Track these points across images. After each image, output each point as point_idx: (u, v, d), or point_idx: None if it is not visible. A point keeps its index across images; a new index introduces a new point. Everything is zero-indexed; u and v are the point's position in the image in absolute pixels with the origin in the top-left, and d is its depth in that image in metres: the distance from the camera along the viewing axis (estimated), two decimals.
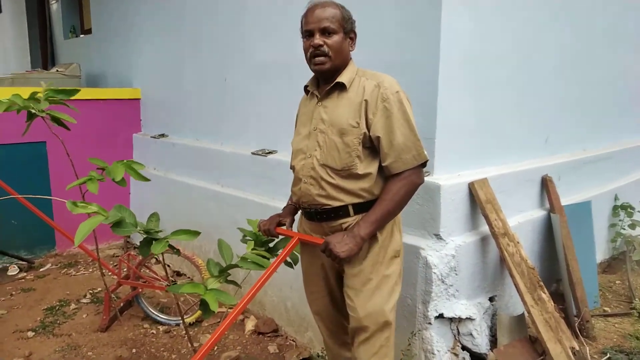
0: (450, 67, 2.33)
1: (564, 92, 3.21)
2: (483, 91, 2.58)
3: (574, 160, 3.30)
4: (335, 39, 1.76)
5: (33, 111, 1.90)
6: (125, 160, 1.91)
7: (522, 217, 2.82)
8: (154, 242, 1.81)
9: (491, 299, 2.62)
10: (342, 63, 1.82)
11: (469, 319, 2.43)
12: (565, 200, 3.05)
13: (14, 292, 3.81)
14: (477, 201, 2.46)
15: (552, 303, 2.58)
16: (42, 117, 1.93)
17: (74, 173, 2.32)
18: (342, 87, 1.82)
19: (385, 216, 1.78)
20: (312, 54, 1.78)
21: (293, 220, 2.08)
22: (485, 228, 2.53)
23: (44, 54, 7.62)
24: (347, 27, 1.79)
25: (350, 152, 1.78)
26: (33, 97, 1.93)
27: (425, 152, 1.79)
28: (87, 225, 1.60)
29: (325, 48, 1.76)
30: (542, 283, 2.58)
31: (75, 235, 1.58)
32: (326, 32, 1.75)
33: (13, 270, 4.19)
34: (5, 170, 3.69)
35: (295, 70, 2.97)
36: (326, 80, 1.86)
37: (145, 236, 1.83)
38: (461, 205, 2.43)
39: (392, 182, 1.78)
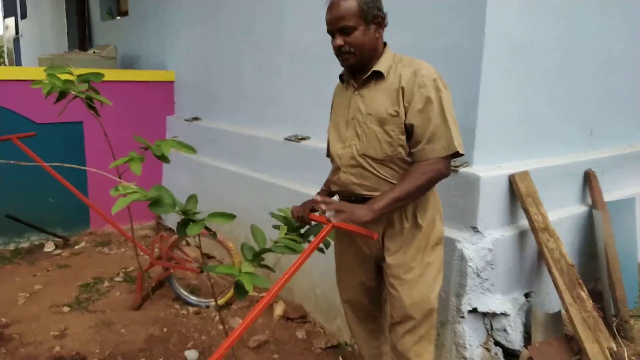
0: (495, 55, 2.25)
1: (611, 85, 3.07)
2: (527, 81, 2.49)
3: (619, 155, 3.17)
4: (356, 34, 1.72)
5: (74, 93, 1.92)
6: (170, 138, 1.94)
7: (562, 212, 2.72)
8: (191, 223, 1.82)
9: (527, 295, 2.56)
10: (370, 53, 1.77)
11: (504, 314, 2.37)
12: (608, 196, 2.94)
13: (50, 268, 3.92)
14: (517, 194, 2.39)
15: (591, 302, 2.50)
16: (80, 97, 1.95)
17: (109, 152, 2.35)
18: (379, 75, 1.78)
19: (404, 197, 1.72)
20: (336, 54, 1.78)
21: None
22: (524, 222, 2.45)
23: (81, 35, 7.75)
24: (368, 16, 1.72)
25: (392, 142, 1.74)
26: (71, 80, 1.95)
27: (456, 144, 1.71)
28: (125, 199, 1.62)
29: (347, 47, 1.73)
30: (581, 281, 2.50)
31: (113, 207, 1.60)
32: (345, 30, 1.71)
33: (50, 247, 4.32)
34: (44, 149, 3.77)
35: (330, 56, 2.92)
36: (360, 70, 1.82)
37: (182, 217, 1.84)
38: (500, 198, 2.36)
39: (418, 165, 1.73)
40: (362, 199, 1.83)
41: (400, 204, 1.74)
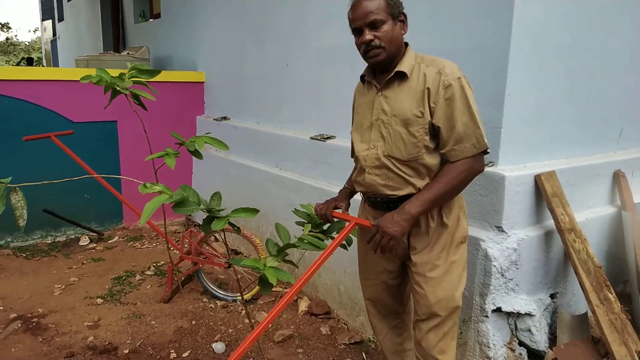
0: (521, 53, 2.24)
1: None
2: (554, 80, 2.47)
3: None
4: (385, 28, 1.72)
5: (118, 88, 2.02)
6: (204, 135, 2.02)
7: (590, 213, 2.69)
8: (215, 219, 1.88)
9: (552, 296, 2.54)
10: (397, 50, 1.77)
11: (528, 314, 2.36)
12: (638, 197, 2.88)
13: (84, 261, 4.08)
14: (543, 194, 2.37)
15: (619, 304, 2.46)
16: (124, 94, 2.05)
17: (141, 151, 2.45)
18: (402, 76, 1.78)
19: (440, 198, 1.75)
20: (365, 50, 1.76)
21: (349, 205, 2.09)
22: (550, 222, 2.44)
23: (115, 37, 7.99)
24: (394, 12, 1.73)
25: (417, 143, 1.76)
26: (120, 77, 2.04)
27: (486, 140, 1.73)
28: (152, 204, 1.67)
29: (377, 41, 1.72)
30: (608, 283, 2.47)
31: (141, 214, 1.67)
32: (374, 25, 1.71)
33: (84, 241, 4.48)
34: (81, 147, 3.92)
35: (356, 56, 2.95)
36: (383, 70, 1.83)
37: (207, 215, 1.91)
38: (526, 197, 2.35)
39: (452, 165, 1.74)
40: (387, 199, 1.85)
41: (436, 205, 1.78)
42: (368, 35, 1.73)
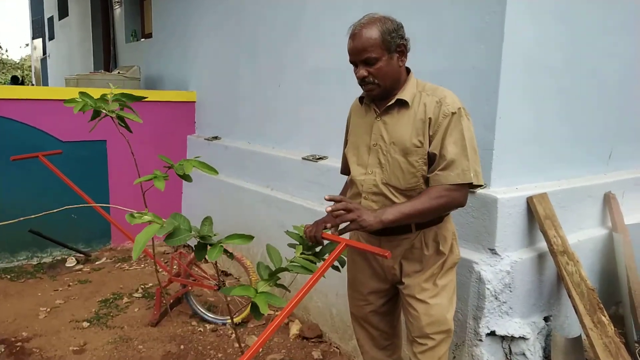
0: (512, 75, 2.26)
1: (630, 105, 3.05)
2: (545, 101, 2.49)
3: (639, 177, 3.13)
4: (379, 65, 1.71)
5: (103, 111, 1.99)
6: (192, 158, 1.99)
7: (582, 235, 2.69)
8: (208, 246, 1.84)
9: (546, 319, 2.52)
10: (393, 83, 1.78)
11: (522, 338, 2.34)
12: (629, 219, 2.89)
13: (71, 283, 3.99)
14: (535, 216, 2.37)
15: (612, 327, 2.45)
16: (111, 117, 2.02)
17: (130, 171, 2.42)
18: (403, 103, 1.78)
19: (414, 215, 1.71)
20: (360, 83, 1.79)
21: (338, 225, 2.07)
22: (542, 244, 2.43)
23: (106, 56, 7.99)
24: (391, 47, 1.71)
25: (415, 173, 1.75)
26: (103, 98, 2.02)
27: (472, 174, 1.69)
28: (143, 236, 1.61)
29: (370, 78, 1.73)
30: (602, 305, 2.46)
31: (133, 248, 1.62)
32: (368, 62, 1.72)
33: (71, 262, 4.40)
34: (69, 166, 3.88)
35: (348, 77, 2.97)
36: (383, 98, 1.83)
37: (199, 241, 1.87)
38: (518, 219, 2.35)
39: (434, 187, 1.71)
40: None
41: (407, 221, 1.74)
42: (362, 71, 1.74)
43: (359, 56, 1.73)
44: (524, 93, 2.36)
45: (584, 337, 2.41)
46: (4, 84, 20.08)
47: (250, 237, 1.84)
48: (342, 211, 1.66)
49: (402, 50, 1.76)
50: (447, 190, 1.70)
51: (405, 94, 1.77)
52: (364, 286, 2.03)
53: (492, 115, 2.27)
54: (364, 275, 2.01)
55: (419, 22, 2.54)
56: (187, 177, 1.95)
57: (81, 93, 2.03)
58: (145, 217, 1.65)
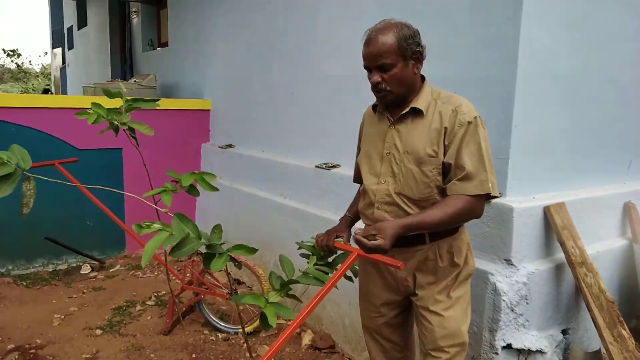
0: (528, 83, 2.23)
1: None
2: (562, 110, 2.45)
3: None
4: (394, 72, 1.68)
5: (115, 123, 2.01)
6: (196, 172, 1.98)
7: (601, 246, 2.62)
8: (214, 257, 1.83)
9: (564, 332, 2.46)
10: (407, 90, 1.75)
11: (540, 351, 2.28)
12: None
13: (85, 290, 4.02)
14: (552, 227, 2.32)
15: (633, 341, 2.38)
16: (123, 128, 2.04)
17: (146, 179, 2.42)
18: (417, 112, 1.75)
19: (430, 225, 1.66)
20: (372, 89, 1.76)
21: (350, 234, 2.04)
22: (560, 255, 2.38)
23: (123, 65, 8.10)
24: (407, 53, 1.68)
25: (429, 183, 1.72)
26: (115, 109, 2.04)
27: (490, 185, 1.66)
28: (152, 245, 1.61)
29: (384, 84, 1.70)
30: (622, 318, 2.39)
31: (142, 257, 1.62)
32: (382, 68, 1.69)
33: (86, 269, 4.43)
34: (85, 174, 3.92)
35: (362, 85, 2.96)
36: (396, 106, 1.80)
37: (206, 251, 1.86)
38: (535, 230, 2.30)
39: (452, 197, 1.68)
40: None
41: (422, 230, 1.70)
42: (376, 77, 1.71)
43: (373, 62, 1.70)
44: (540, 101, 2.32)
45: (603, 351, 2.35)
46: (26, 92, 20.48)
47: (254, 250, 1.82)
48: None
49: (417, 57, 1.73)
50: (464, 201, 1.67)
51: (420, 103, 1.74)
52: (376, 297, 2.00)
53: (507, 124, 2.23)
54: (376, 286, 1.98)
55: (433, 29, 2.51)
56: (193, 192, 1.95)
57: (93, 104, 2.05)
58: (155, 225, 1.64)
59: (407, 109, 1.75)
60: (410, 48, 1.69)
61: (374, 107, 1.91)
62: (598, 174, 2.74)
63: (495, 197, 1.71)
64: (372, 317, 2.04)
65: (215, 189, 1.99)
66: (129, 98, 2.13)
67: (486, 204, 1.82)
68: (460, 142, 1.67)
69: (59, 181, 1.98)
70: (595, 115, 2.63)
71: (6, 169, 1.60)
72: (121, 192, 2.06)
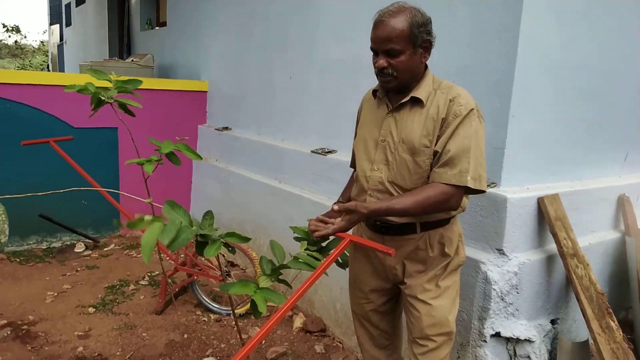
0: (527, 73, 2.21)
1: None
2: (560, 101, 2.44)
3: None
4: (401, 59, 1.64)
5: (103, 98, 2.00)
6: (178, 140, 1.97)
7: (593, 238, 2.64)
8: (207, 244, 1.82)
9: (553, 322, 2.48)
10: (411, 78, 1.71)
11: (528, 340, 2.30)
12: None
13: (79, 269, 4.02)
14: (545, 217, 2.33)
15: (621, 332, 2.40)
16: (110, 103, 2.03)
17: (143, 157, 2.41)
18: (417, 101, 1.72)
19: (399, 212, 1.64)
20: (377, 73, 1.71)
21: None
22: (552, 246, 2.39)
23: (121, 44, 8.01)
24: (417, 41, 1.64)
25: (422, 174, 1.70)
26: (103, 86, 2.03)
27: (469, 177, 1.59)
28: (148, 238, 1.56)
29: (390, 70, 1.66)
30: (610, 310, 2.41)
31: (141, 251, 1.59)
32: (390, 53, 1.64)
33: (80, 248, 4.44)
34: (80, 153, 3.89)
35: (360, 71, 2.94)
36: (397, 92, 1.77)
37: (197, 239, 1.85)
38: (528, 220, 2.30)
39: (429, 186, 1.65)
40: (387, 224, 1.80)
41: (393, 215, 1.68)
42: (382, 61, 1.66)
43: (381, 45, 1.64)
44: (538, 92, 2.30)
45: (591, 341, 2.37)
46: (23, 69, 20.29)
47: (247, 239, 1.81)
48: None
49: (427, 46, 1.69)
50: (438, 191, 1.62)
51: (420, 92, 1.71)
52: (365, 284, 2.01)
53: (504, 114, 2.22)
54: (365, 273, 1.99)
55: (433, 17, 2.48)
56: (175, 160, 1.94)
57: (87, 75, 2.04)
58: (146, 217, 1.60)
59: (407, 98, 1.72)
60: (420, 36, 1.64)
61: (374, 92, 1.88)
62: (593, 166, 2.74)
63: (480, 191, 1.66)
64: (361, 303, 2.05)
65: (198, 156, 1.98)
66: (120, 78, 2.12)
67: (474, 196, 1.79)
68: (451, 132, 1.64)
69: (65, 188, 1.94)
70: (592, 107, 2.62)
71: None
72: (116, 191, 2.04)
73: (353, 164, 2.09)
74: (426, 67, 1.77)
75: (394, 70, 1.66)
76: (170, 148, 1.95)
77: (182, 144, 1.98)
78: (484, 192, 1.67)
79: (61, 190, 1.99)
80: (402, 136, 1.72)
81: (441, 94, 1.70)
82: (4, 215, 1.60)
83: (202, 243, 1.79)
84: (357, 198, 1.89)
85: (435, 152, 1.67)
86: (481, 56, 2.32)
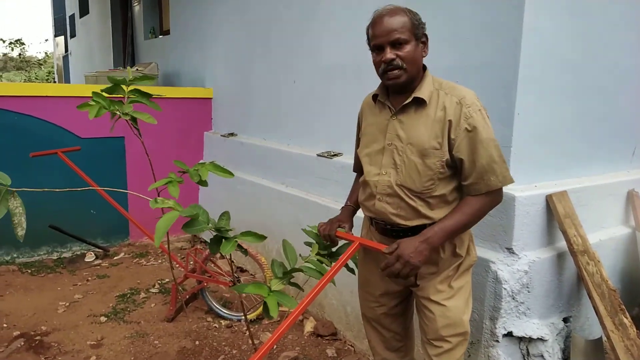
0: (531, 69, 2.20)
1: None
2: (565, 97, 2.43)
3: None
4: (408, 49, 1.64)
5: (118, 113, 2.01)
6: (208, 162, 1.98)
7: (603, 234, 2.62)
8: (223, 240, 1.85)
9: (565, 320, 2.46)
10: (417, 72, 1.71)
11: (541, 339, 2.29)
12: None
13: (89, 278, 4.05)
14: (554, 215, 2.32)
15: (635, 329, 2.38)
16: (125, 119, 2.04)
17: (149, 167, 2.43)
18: (420, 102, 1.71)
19: (461, 228, 1.72)
20: (385, 69, 1.68)
21: (352, 224, 2.04)
22: (562, 244, 2.37)
23: (125, 53, 8.07)
24: (418, 33, 1.66)
25: (432, 175, 1.70)
26: (117, 101, 2.04)
27: (510, 175, 1.71)
28: (164, 222, 1.65)
29: (399, 61, 1.64)
30: (623, 307, 2.39)
31: (154, 236, 1.64)
32: (397, 43, 1.63)
33: (90, 257, 4.46)
34: (87, 163, 3.92)
35: (363, 73, 2.94)
36: (399, 92, 1.76)
37: (215, 234, 1.87)
38: (537, 218, 2.29)
39: (474, 198, 1.70)
40: (398, 227, 1.80)
41: (455, 235, 1.75)
42: (390, 54, 1.64)
43: (387, 37, 1.63)
44: (542, 89, 2.30)
45: (604, 339, 2.35)
46: (29, 81, 20.45)
47: (263, 237, 1.83)
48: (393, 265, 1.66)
49: (425, 41, 1.72)
50: (487, 196, 1.69)
51: (422, 92, 1.70)
52: (375, 288, 2.00)
53: (509, 112, 2.21)
54: (375, 276, 1.98)
55: (435, 16, 2.49)
56: (203, 183, 1.94)
57: (94, 94, 2.04)
58: (169, 202, 1.66)
59: (410, 99, 1.71)
60: (420, 29, 1.68)
61: (374, 96, 1.87)
62: (601, 162, 2.72)
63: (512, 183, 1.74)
64: (372, 306, 2.05)
65: (231, 174, 2.00)
66: (132, 88, 2.12)
67: None
68: (471, 137, 1.64)
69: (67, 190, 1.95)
70: (598, 102, 2.60)
71: None
72: (125, 191, 2.04)
73: (356, 169, 2.09)
74: (425, 68, 1.78)
75: (402, 61, 1.65)
76: (207, 172, 1.95)
77: (212, 164, 1.98)
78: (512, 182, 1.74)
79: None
80: (411, 139, 1.72)
81: (445, 95, 1.69)
82: (21, 208, 1.62)
83: (216, 240, 1.82)
84: (365, 203, 1.89)
85: (457, 159, 1.68)
86: (485, 54, 2.31)
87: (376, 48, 1.69)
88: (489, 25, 2.29)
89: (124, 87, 2.08)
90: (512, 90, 2.20)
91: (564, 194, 2.36)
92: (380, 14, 1.67)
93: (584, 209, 2.45)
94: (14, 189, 1.69)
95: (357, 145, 2.00)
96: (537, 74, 2.25)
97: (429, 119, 1.70)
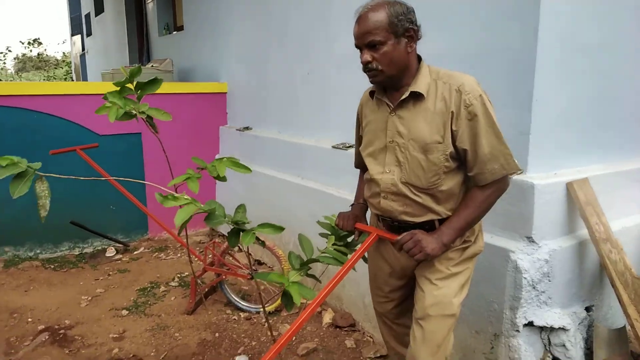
0: (549, 55, 2.16)
1: None
2: (585, 82, 2.37)
3: None
4: (384, 50, 1.61)
5: (135, 113, 2.03)
6: (226, 158, 1.98)
7: (626, 222, 2.56)
8: (241, 233, 1.86)
9: (588, 309, 2.42)
10: (400, 70, 1.66)
11: (562, 329, 2.26)
12: None
13: (111, 273, 4.11)
14: (575, 203, 2.27)
15: None
16: (141, 117, 2.06)
17: (166, 162, 2.45)
18: (417, 95, 1.68)
19: (470, 223, 1.71)
20: (363, 69, 1.69)
21: (366, 221, 2.04)
22: (583, 232, 2.33)
23: (140, 50, 8.13)
24: (398, 30, 1.60)
25: (437, 170, 1.68)
26: (132, 100, 2.07)
27: (516, 161, 1.67)
28: (184, 211, 1.67)
29: (374, 64, 1.63)
30: None
31: (175, 219, 1.65)
32: (372, 45, 1.62)
33: (111, 252, 4.53)
34: (105, 160, 3.97)
35: None
36: (392, 87, 1.73)
37: (233, 227, 1.88)
38: (557, 206, 2.25)
39: (479, 189, 1.68)
40: (406, 224, 1.78)
41: (467, 229, 1.74)
42: (366, 56, 1.64)
43: (362, 39, 1.63)
44: (561, 74, 2.25)
45: (628, 328, 2.32)
46: (47, 80, 20.78)
47: (281, 228, 1.83)
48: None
49: (411, 35, 1.64)
50: (492, 186, 1.67)
51: (419, 86, 1.66)
52: (384, 284, 2.01)
53: (528, 98, 2.17)
54: (384, 273, 1.99)
55: (453, 1, 2.45)
56: (222, 178, 1.95)
57: (109, 94, 2.06)
58: (186, 198, 1.68)
59: (407, 94, 1.68)
60: (402, 25, 1.60)
61: (372, 93, 1.84)
62: (623, 147, 2.66)
63: (519, 170, 1.71)
64: (381, 302, 2.06)
65: (248, 169, 2.00)
66: (138, 83, 2.14)
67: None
68: (472, 125, 1.61)
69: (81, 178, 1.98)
70: (618, 87, 2.54)
71: (18, 168, 1.65)
72: (143, 182, 2.06)
73: (358, 165, 2.07)
74: (420, 59, 1.73)
75: (378, 63, 1.63)
76: (224, 168, 1.96)
77: (230, 160, 1.99)
78: (520, 170, 1.74)
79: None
80: (412, 135, 1.68)
81: (443, 84, 1.65)
82: (47, 191, 1.69)
83: (235, 232, 1.84)
84: (371, 200, 1.88)
85: (460, 150, 1.65)
86: (502, 39, 2.27)
87: (357, 48, 1.69)
88: (507, 10, 2.24)
89: (130, 85, 2.11)
90: (530, 75, 2.16)
91: (585, 181, 2.32)
92: (360, 13, 1.65)
93: (606, 196, 2.40)
94: (42, 174, 1.75)
95: (358, 142, 1.98)
96: (555, 59, 2.20)
97: (428, 112, 1.66)
